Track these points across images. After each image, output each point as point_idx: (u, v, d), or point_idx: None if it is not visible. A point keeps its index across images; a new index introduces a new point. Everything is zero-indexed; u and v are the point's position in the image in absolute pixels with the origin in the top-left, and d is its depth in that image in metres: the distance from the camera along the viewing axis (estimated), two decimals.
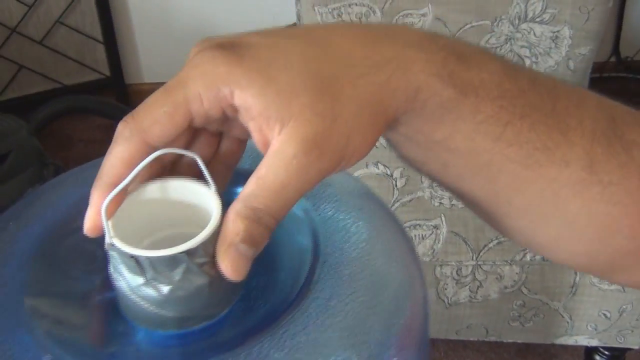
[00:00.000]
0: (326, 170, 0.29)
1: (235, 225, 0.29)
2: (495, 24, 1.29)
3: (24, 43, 1.98)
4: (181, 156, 0.33)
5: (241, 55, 0.29)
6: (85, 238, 0.34)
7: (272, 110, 0.28)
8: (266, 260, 0.35)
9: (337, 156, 0.29)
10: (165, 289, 0.30)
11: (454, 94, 0.30)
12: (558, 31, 1.33)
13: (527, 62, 1.35)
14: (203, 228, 0.30)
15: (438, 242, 1.08)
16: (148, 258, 0.29)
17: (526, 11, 1.32)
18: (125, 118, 0.30)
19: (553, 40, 1.34)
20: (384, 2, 1.24)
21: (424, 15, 1.27)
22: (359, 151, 0.30)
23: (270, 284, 0.33)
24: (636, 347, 1.19)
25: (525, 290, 1.10)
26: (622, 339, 1.15)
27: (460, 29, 1.29)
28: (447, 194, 1.08)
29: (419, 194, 1.11)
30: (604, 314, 1.12)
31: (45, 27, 1.99)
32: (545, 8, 1.31)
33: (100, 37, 2.06)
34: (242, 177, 0.39)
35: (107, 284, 0.32)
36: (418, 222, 1.09)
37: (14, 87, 2.02)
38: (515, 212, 0.34)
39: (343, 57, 0.30)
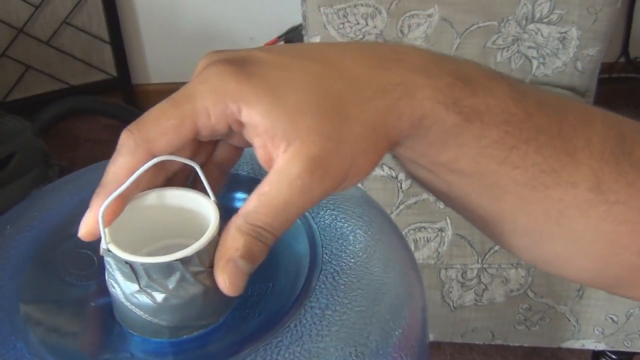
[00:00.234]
0: (328, 189, 0.29)
1: (235, 240, 0.29)
2: (502, 24, 1.29)
3: (31, 43, 1.98)
4: (180, 165, 0.33)
5: (250, 72, 0.29)
6: (83, 244, 0.34)
7: (279, 129, 0.28)
8: (262, 268, 0.35)
9: (340, 177, 0.29)
10: (159, 296, 0.30)
11: (459, 120, 0.30)
12: (566, 32, 1.32)
13: (535, 63, 1.34)
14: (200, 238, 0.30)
15: (443, 245, 1.07)
16: (142, 265, 0.29)
17: (533, 12, 1.31)
18: (129, 128, 0.30)
19: (561, 41, 1.33)
20: (390, 2, 1.24)
21: (430, 15, 1.27)
22: (362, 172, 0.30)
23: (266, 293, 0.33)
24: None
25: (531, 294, 1.09)
26: (630, 343, 1.14)
27: (467, 29, 1.28)
28: None
29: (424, 196, 1.11)
30: (611, 318, 1.11)
31: (52, 28, 1.99)
32: (553, 9, 1.30)
33: (107, 38, 2.06)
34: (240, 183, 0.39)
35: (103, 290, 0.32)
36: (423, 224, 1.09)
37: (20, 87, 2.02)
38: (520, 231, 0.34)
39: (351, 79, 0.30)
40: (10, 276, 0.34)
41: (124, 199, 0.31)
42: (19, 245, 0.36)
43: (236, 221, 0.29)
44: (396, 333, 0.31)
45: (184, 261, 0.29)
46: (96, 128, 2.06)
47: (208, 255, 0.30)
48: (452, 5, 1.26)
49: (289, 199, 0.28)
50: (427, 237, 1.08)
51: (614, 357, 1.24)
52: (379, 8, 1.25)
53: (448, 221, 1.08)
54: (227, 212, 0.31)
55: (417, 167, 0.34)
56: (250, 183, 0.30)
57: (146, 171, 0.30)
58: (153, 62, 2.16)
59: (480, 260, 1.07)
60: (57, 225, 0.38)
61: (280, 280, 0.34)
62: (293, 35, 1.75)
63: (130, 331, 0.32)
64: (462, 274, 1.07)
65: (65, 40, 2.03)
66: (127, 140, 0.30)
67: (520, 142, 0.31)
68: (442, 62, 0.31)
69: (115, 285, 0.31)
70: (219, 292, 0.31)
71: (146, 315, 0.31)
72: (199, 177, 0.31)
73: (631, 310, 1.10)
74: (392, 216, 1.11)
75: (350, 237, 0.35)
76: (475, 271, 1.07)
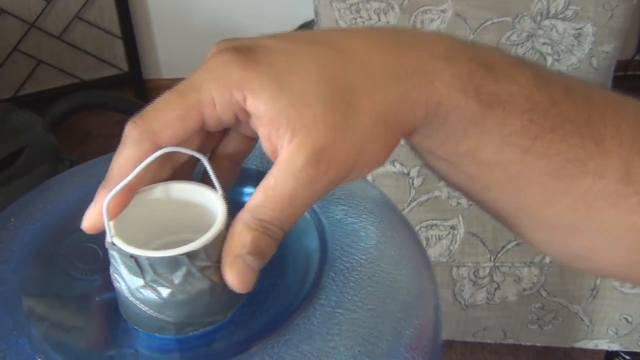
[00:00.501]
0: (335, 181, 0.28)
1: (242, 236, 0.28)
2: (517, 20, 1.27)
3: (43, 38, 1.98)
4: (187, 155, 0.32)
5: (257, 60, 0.28)
6: (88, 237, 0.33)
7: (283, 119, 0.28)
8: (271, 264, 0.34)
9: (346, 168, 0.28)
10: (165, 292, 0.29)
11: (479, 108, 0.29)
12: (581, 28, 1.31)
13: (549, 59, 1.32)
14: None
15: (455, 243, 1.06)
16: (148, 258, 0.29)
17: (548, 7, 1.29)
18: (134, 119, 0.29)
19: (576, 38, 1.32)
20: None
21: (443, 11, 1.25)
22: (372, 163, 0.29)
23: (275, 289, 0.32)
24: None
25: (544, 293, 1.08)
26: None
27: (481, 25, 1.27)
28: None
29: (436, 193, 1.10)
30: (625, 318, 1.10)
31: (64, 22, 2.00)
32: (568, 5, 1.29)
33: (118, 33, 2.06)
34: (249, 176, 0.38)
35: (108, 285, 0.31)
36: (435, 222, 1.08)
37: (32, 82, 2.03)
38: (546, 224, 0.33)
39: (362, 66, 0.29)
40: (14, 270, 0.34)
41: (130, 192, 0.30)
42: (23, 238, 0.36)
43: (243, 216, 0.28)
44: (408, 332, 0.30)
45: (190, 255, 0.29)
46: (107, 123, 2.06)
47: (215, 250, 0.29)
48: (465, 0, 1.25)
49: (295, 192, 0.28)
50: (438, 235, 1.07)
51: (627, 357, 1.23)
52: (392, 3, 1.24)
53: (460, 219, 1.07)
54: (235, 206, 0.30)
55: (436, 158, 0.32)
56: (258, 177, 0.29)
57: (152, 162, 0.29)
58: (164, 57, 2.16)
59: (492, 259, 1.05)
60: (62, 218, 0.37)
61: (289, 277, 0.33)
62: None
63: (135, 327, 0.31)
64: (474, 272, 1.06)
65: (76, 35, 2.03)
66: (131, 132, 0.29)
67: (544, 130, 0.29)
68: (463, 48, 0.30)
69: (120, 280, 0.30)
70: (226, 288, 0.30)
71: (151, 311, 0.30)
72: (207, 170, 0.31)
73: None
74: (404, 213, 1.10)
75: (362, 233, 0.34)
76: (488, 269, 1.06)
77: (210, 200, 0.31)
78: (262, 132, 0.29)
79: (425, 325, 0.31)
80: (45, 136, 1.40)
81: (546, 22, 1.29)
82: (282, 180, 0.28)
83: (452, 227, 1.07)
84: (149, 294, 0.29)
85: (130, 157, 0.29)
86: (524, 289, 1.08)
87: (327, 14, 1.24)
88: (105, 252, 0.30)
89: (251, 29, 2.06)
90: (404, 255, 0.34)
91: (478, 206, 0.35)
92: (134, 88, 2.13)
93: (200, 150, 0.31)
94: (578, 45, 1.31)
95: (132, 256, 0.29)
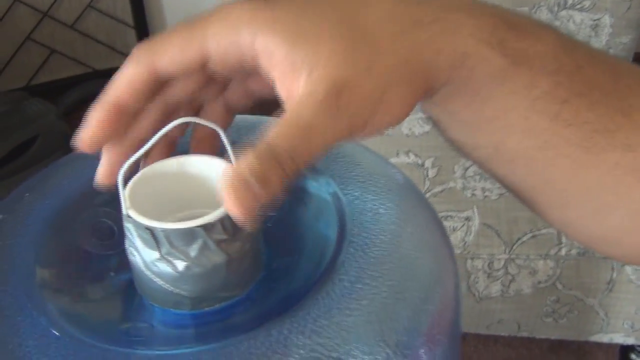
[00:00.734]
0: (357, 121, 0.26)
1: (249, 160, 0.25)
2: (533, 10, 1.26)
3: (56, 27, 1.98)
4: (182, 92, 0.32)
5: (269, 7, 0.28)
6: (104, 213, 0.33)
7: (298, 54, 0.26)
8: (288, 240, 0.33)
9: (369, 106, 0.26)
10: (180, 265, 0.29)
11: (506, 63, 0.28)
12: (598, 19, 1.29)
13: None
14: None
15: (470, 234, 1.05)
16: (163, 230, 0.28)
17: None
18: (141, 43, 0.30)
19: (593, 29, 1.30)
20: None
21: None
22: (393, 112, 0.27)
23: (293, 266, 0.32)
24: None
25: (559, 286, 1.07)
26: None
27: None
28: (480, 185, 1.05)
29: (451, 184, 1.08)
30: None
31: (77, 12, 1.99)
32: None
33: (131, 22, 2.06)
34: None
35: (123, 260, 0.31)
36: (449, 213, 1.07)
37: (45, 71, 2.03)
38: (572, 201, 0.31)
39: (382, 12, 0.27)
40: (28, 244, 0.33)
41: (132, 146, 0.31)
42: (38, 213, 0.35)
43: (255, 146, 0.26)
44: (429, 310, 0.29)
45: (207, 228, 0.28)
46: None
47: (232, 223, 0.28)
48: None
49: (313, 121, 0.25)
50: (453, 226, 1.06)
51: None
52: None
53: (475, 210, 1.06)
54: None
55: (460, 127, 0.31)
56: None
57: (150, 110, 0.31)
58: None
59: (507, 251, 1.04)
60: (77, 194, 0.37)
61: (307, 253, 0.32)
62: None
63: (150, 302, 0.30)
64: (488, 264, 1.05)
65: (89, 24, 2.03)
66: (136, 52, 0.30)
67: (572, 95, 0.28)
68: (485, 6, 0.29)
69: (135, 253, 0.30)
70: (243, 262, 0.30)
71: (167, 285, 0.29)
72: (199, 126, 0.31)
73: None
74: None
75: (381, 211, 0.33)
76: (502, 262, 1.05)
77: None
78: (276, 75, 0.27)
79: (446, 303, 0.30)
80: (58, 125, 1.40)
81: (563, 13, 1.28)
82: (300, 109, 0.26)
83: (467, 219, 1.06)
84: (164, 267, 0.29)
85: (126, 74, 0.30)
86: (539, 282, 1.07)
87: None
88: (121, 228, 0.30)
89: None
90: (425, 233, 0.33)
91: (501, 184, 0.33)
92: None
93: (200, 93, 0.31)
94: (595, 37, 1.30)
95: (147, 228, 0.28)
